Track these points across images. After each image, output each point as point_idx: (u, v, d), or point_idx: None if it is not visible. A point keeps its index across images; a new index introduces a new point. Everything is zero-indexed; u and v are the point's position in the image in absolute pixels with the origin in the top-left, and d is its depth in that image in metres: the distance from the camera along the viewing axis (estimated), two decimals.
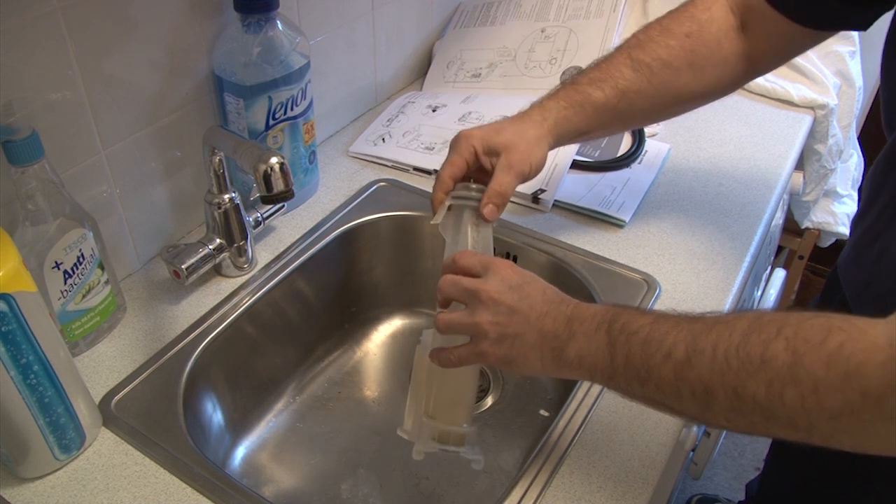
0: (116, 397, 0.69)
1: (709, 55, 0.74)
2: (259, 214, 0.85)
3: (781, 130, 1.09)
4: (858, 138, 1.41)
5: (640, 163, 1.01)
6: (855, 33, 1.19)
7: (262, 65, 0.80)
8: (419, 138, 1.04)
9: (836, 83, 1.18)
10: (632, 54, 0.75)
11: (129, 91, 0.74)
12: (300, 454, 0.82)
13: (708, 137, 1.08)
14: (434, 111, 1.10)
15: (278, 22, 0.80)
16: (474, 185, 0.69)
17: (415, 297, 0.99)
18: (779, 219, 1.33)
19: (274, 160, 0.66)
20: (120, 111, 0.74)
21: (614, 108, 0.74)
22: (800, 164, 1.22)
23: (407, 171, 1.00)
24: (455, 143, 0.71)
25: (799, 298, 1.88)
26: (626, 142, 1.05)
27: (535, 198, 0.93)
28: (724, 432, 1.02)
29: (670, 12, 0.77)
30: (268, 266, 0.84)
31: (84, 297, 0.70)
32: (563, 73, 1.11)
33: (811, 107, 1.14)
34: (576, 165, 0.99)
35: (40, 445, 0.60)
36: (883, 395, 0.41)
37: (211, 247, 0.79)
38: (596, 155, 1.02)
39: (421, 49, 1.22)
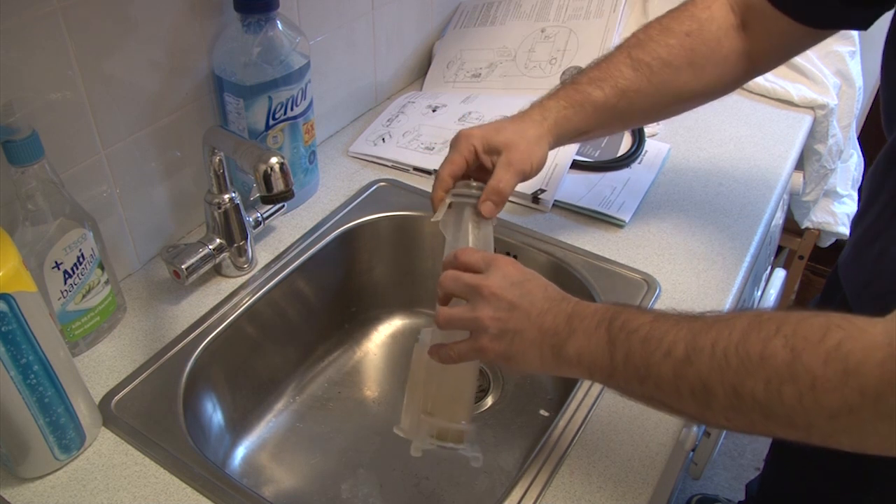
0: (116, 397, 0.69)
1: (709, 54, 0.74)
2: (259, 214, 0.85)
3: (781, 130, 1.09)
4: (858, 138, 1.41)
5: (640, 163, 1.01)
6: (855, 33, 1.19)
7: (262, 65, 0.80)
8: (419, 138, 1.04)
9: (836, 83, 1.18)
10: (632, 53, 0.75)
11: (129, 91, 0.74)
12: (300, 454, 0.82)
13: (708, 137, 1.08)
14: (434, 111, 1.10)
15: (278, 22, 0.80)
16: (474, 183, 0.69)
17: (415, 297, 0.99)
18: (779, 219, 1.33)
19: (274, 160, 0.66)
20: (120, 111, 0.74)
21: (614, 107, 0.74)
22: (800, 164, 1.22)
23: (407, 171, 1.00)
24: (455, 142, 0.71)
25: (799, 298, 1.88)
26: (626, 142, 1.05)
27: (535, 198, 0.93)
28: (724, 432, 1.02)
29: (670, 11, 0.77)
30: (268, 266, 0.84)
31: (84, 297, 0.70)
32: (563, 73, 1.11)
33: (811, 107, 1.14)
34: (576, 165, 0.99)
35: (40, 445, 0.60)
36: (881, 393, 0.41)
37: (211, 247, 0.79)
38: (596, 155, 1.02)
39: (421, 49, 1.22)
